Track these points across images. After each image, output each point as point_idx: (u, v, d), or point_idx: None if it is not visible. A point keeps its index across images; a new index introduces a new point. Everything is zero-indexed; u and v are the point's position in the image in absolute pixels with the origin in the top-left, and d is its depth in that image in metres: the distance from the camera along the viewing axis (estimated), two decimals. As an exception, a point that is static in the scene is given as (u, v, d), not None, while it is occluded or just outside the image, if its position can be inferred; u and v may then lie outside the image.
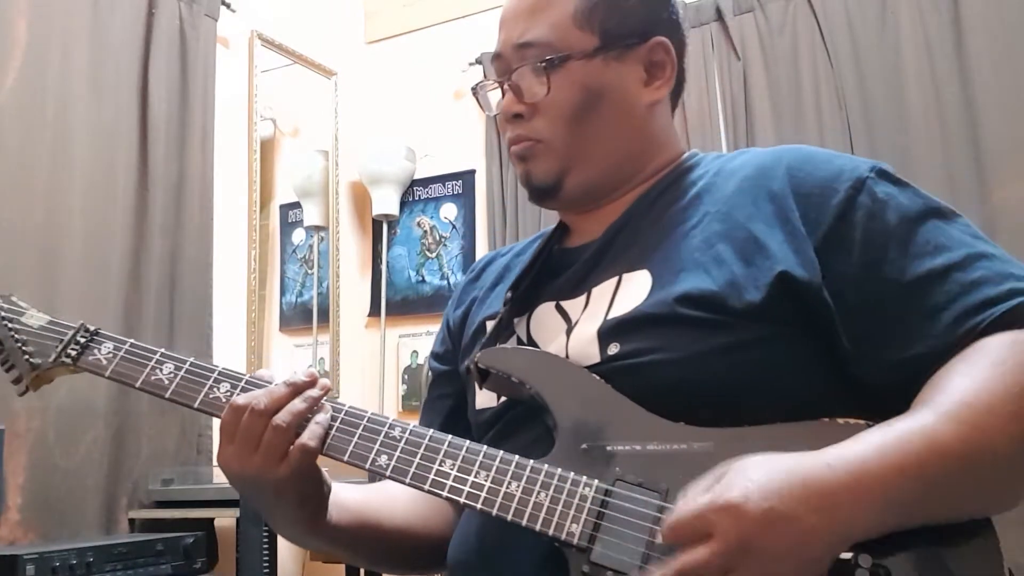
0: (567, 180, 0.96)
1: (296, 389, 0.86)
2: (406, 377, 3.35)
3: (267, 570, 2.36)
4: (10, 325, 0.96)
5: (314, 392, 0.87)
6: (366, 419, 0.87)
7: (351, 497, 0.96)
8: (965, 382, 0.73)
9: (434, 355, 1.13)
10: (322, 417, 0.86)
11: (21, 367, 0.95)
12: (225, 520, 2.47)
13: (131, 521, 2.41)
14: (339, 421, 0.87)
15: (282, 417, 0.84)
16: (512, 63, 0.97)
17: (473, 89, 1.06)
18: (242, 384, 0.90)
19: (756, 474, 0.67)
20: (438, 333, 1.15)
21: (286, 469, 0.83)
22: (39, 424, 2.20)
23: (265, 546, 2.37)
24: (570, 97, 0.94)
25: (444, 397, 1.09)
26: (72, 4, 2.43)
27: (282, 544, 2.49)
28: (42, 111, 2.34)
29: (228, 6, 2.94)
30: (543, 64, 0.93)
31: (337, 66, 3.46)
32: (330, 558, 2.63)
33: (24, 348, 0.94)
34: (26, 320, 0.97)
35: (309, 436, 0.84)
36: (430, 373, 1.14)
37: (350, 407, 0.88)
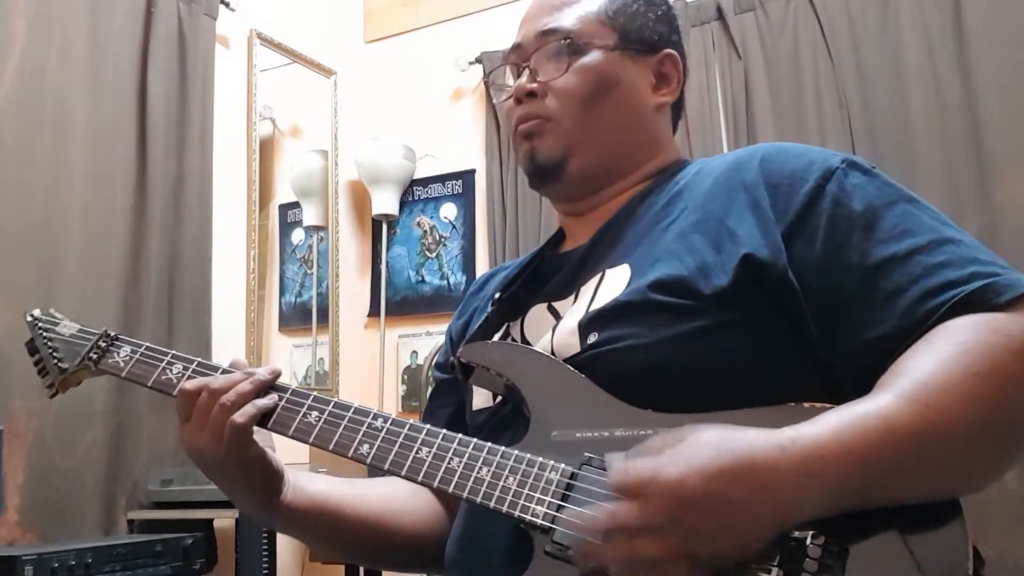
0: (570, 161, 0.99)
1: (249, 375, 0.93)
2: (406, 377, 3.34)
3: (266, 570, 2.36)
4: (45, 335, 1.07)
5: (263, 376, 0.93)
6: (351, 411, 0.90)
7: (315, 485, 1.00)
8: (925, 363, 0.74)
9: (437, 365, 1.17)
10: (263, 401, 0.91)
11: (52, 372, 1.05)
12: (224, 521, 2.46)
13: (130, 522, 2.41)
14: (284, 400, 0.92)
15: (227, 396, 0.90)
16: (531, 49, 1.02)
17: (486, 77, 1.11)
18: (287, 394, 0.95)
19: (702, 453, 0.68)
20: (443, 344, 1.19)
21: (224, 447, 0.89)
22: (38, 424, 2.19)
23: (264, 547, 2.37)
24: (585, 82, 0.99)
25: (444, 406, 1.12)
26: (71, 3, 2.43)
27: (281, 545, 2.49)
28: (41, 110, 2.33)
29: (227, 5, 2.94)
30: (566, 43, 0.99)
31: (336, 65, 3.46)
32: (329, 559, 2.62)
33: (55, 355, 1.04)
34: (59, 330, 1.07)
35: (240, 414, 0.89)
36: (432, 382, 1.17)
37: (338, 400, 0.93)
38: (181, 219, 2.67)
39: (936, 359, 0.74)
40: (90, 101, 2.45)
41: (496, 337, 1.01)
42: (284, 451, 0.97)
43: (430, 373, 1.22)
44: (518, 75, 1.04)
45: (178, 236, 2.66)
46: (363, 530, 1.02)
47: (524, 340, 0.99)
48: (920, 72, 2.57)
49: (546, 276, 1.03)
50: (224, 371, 0.97)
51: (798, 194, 0.86)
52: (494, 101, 0.87)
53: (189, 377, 0.97)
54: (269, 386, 0.93)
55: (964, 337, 0.75)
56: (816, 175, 0.87)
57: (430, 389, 1.17)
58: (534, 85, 1.00)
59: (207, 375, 0.97)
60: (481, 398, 1.01)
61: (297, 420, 0.91)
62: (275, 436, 0.95)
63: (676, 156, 1.06)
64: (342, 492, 1.02)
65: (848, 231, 0.84)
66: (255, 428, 0.91)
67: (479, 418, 1.00)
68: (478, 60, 3.24)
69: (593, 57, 1.00)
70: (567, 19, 1.01)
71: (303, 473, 1.01)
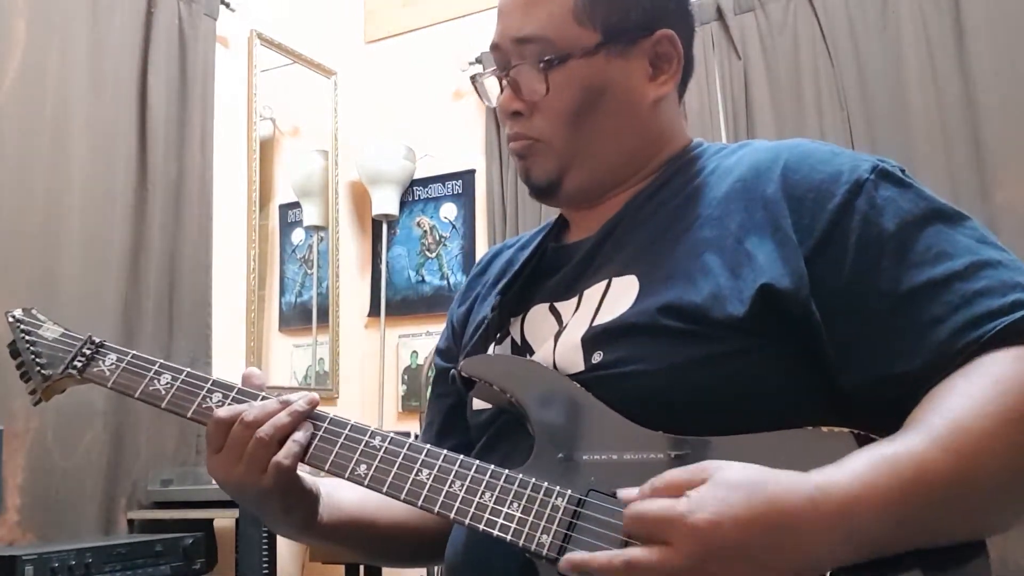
0: (566, 180, 0.94)
1: (285, 405, 0.88)
2: (406, 377, 3.34)
3: (266, 570, 2.36)
4: (27, 338, 1.00)
5: (300, 406, 0.87)
6: (348, 428, 0.87)
7: (347, 497, 0.97)
8: (962, 403, 0.70)
9: (438, 351, 1.13)
10: (301, 435, 0.87)
11: (35, 379, 0.99)
12: (224, 520, 2.46)
13: (130, 522, 2.41)
14: (322, 430, 0.88)
15: (265, 430, 0.85)
16: (510, 57, 0.93)
17: (472, 80, 1.04)
18: (233, 395, 0.92)
19: (735, 498, 0.64)
20: (444, 329, 1.14)
21: (268, 481, 0.85)
22: (38, 424, 2.19)
23: (264, 546, 2.37)
24: (570, 97, 0.91)
25: (444, 396, 1.08)
26: (71, 4, 2.43)
27: (281, 545, 2.49)
28: (41, 111, 2.33)
29: (227, 5, 2.94)
30: (542, 64, 0.90)
31: (337, 66, 3.46)
32: (329, 559, 2.63)
33: (38, 360, 0.99)
34: (42, 333, 1.01)
35: (284, 454, 0.85)
36: (434, 368, 1.14)
37: (334, 416, 0.89)
38: (181, 219, 2.67)
39: (974, 400, 0.69)
40: (90, 101, 2.45)
41: (496, 336, 0.97)
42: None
43: (432, 360, 1.19)
44: (500, 85, 0.96)
45: (178, 236, 2.65)
46: (396, 535, 1.01)
47: (524, 341, 0.95)
48: (920, 72, 2.57)
49: (549, 271, 0.98)
50: (215, 381, 0.93)
51: (824, 211, 0.80)
52: (485, 104, 0.85)
53: (180, 390, 0.93)
54: (307, 417, 0.88)
55: (1004, 376, 0.70)
56: (844, 189, 0.80)
57: (431, 375, 1.13)
58: (519, 104, 0.93)
59: (198, 388, 0.92)
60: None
61: (333, 453, 0.86)
62: None
63: (685, 142, 0.99)
64: (374, 502, 0.98)
65: (878, 254, 0.78)
66: None
67: (480, 418, 0.96)
68: (478, 60, 3.24)
69: (574, 69, 0.90)
70: (538, 22, 0.91)
71: (333, 483, 0.96)
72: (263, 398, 0.90)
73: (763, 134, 2.75)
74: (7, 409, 2.09)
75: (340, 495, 0.97)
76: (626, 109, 0.93)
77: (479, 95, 1.03)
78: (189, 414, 0.93)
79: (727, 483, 0.66)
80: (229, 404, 0.90)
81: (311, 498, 0.92)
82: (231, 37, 3.04)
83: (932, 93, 2.55)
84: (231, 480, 0.87)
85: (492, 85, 0.99)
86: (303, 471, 0.91)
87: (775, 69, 2.79)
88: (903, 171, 0.84)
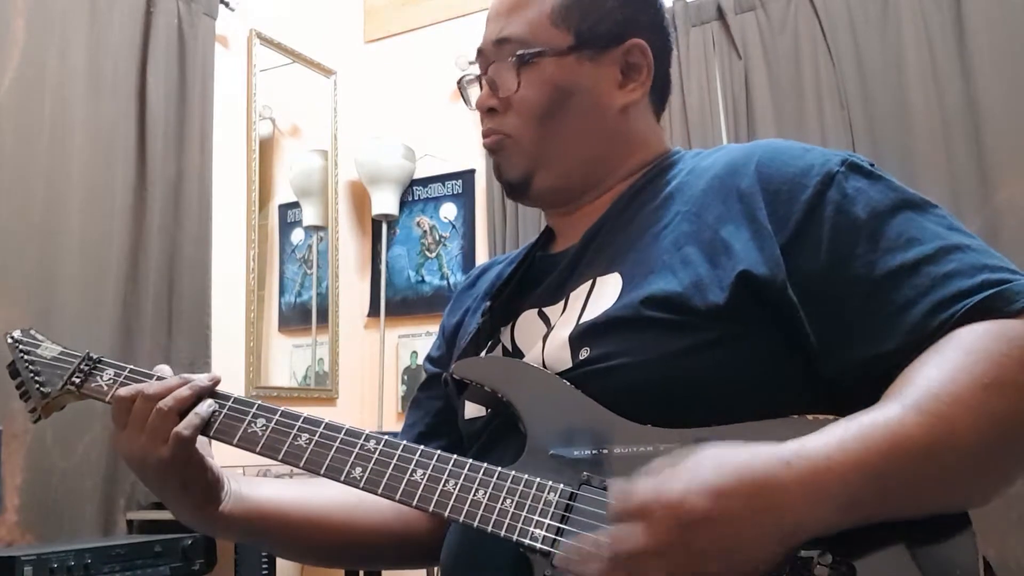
0: (535, 179, 0.98)
1: (186, 381, 0.92)
2: (405, 377, 3.34)
3: (266, 571, 2.35)
4: (26, 357, 1.03)
5: (201, 382, 0.92)
6: (343, 432, 0.88)
7: (258, 492, 0.99)
8: (934, 372, 0.72)
9: (429, 358, 1.15)
10: (202, 408, 0.91)
11: (34, 397, 1.02)
12: (224, 521, 2.45)
13: (129, 522, 2.41)
14: (226, 408, 0.91)
15: (165, 402, 0.90)
16: (490, 58, 0.98)
17: (459, 83, 1.08)
18: (230, 404, 0.93)
19: (704, 470, 0.66)
20: (436, 338, 1.16)
21: (167, 451, 0.89)
22: (37, 425, 2.17)
23: (264, 547, 2.36)
24: (539, 94, 0.95)
25: (433, 399, 1.10)
26: (70, 3, 2.43)
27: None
28: (40, 111, 2.33)
29: (227, 5, 2.94)
30: (514, 59, 0.95)
31: (336, 65, 3.46)
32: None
33: (36, 378, 1.02)
34: (41, 352, 1.03)
35: (184, 425, 0.89)
36: (424, 374, 1.15)
37: (329, 422, 0.90)
38: (181, 219, 2.67)
39: (945, 369, 0.71)
40: (89, 101, 2.44)
41: (487, 344, 0.99)
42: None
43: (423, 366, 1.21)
44: (480, 86, 1.01)
45: (178, 236, 2.65)
46: (313, 532, 1.01)
47: (515, 347, 0.96)
48: (920, 72, 2.57)
49: (536, 279, 1.01)
50: (159, 377, 0.96)
51: (797, 202, 0.83)
52: (468, 108, 0.88)
53: (123, 384, 0.96)
54: (209, 392, 0.92)
55: (974, 346, 0.72)
56: (815, 180, 0.83)
57: (420, 381, 1.15)
58: (493, 101, 0.97)
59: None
60: (474, 407, 0.98)
61: (287, 444, 0.89)
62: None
63: (662, 148, 1.02)
64: (288, 496, 1.00)
65: (852, 242, 0.80)
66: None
67: (473, 427, 0.97)
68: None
69: (546, 68, 0.95)
70: (518, 25, 0.96)
71: (249, 479, 1.00)
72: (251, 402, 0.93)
73: (763, 134, 2.75)
74: (7, 410, 2.08)
75: (251, 489, 0.99)
76: (593, 112, 0.97)
77: (464, 100, 1.07)
78: None
79: (698, 460, 0.68)
80: (226, 412, 0.92)
81: (212, 478, 0.94)
82: (230, 37, 3.04)
83: (932, 93, 2.55)
84: (135, 453, 0.91)
85: (476, 90, 1.03)
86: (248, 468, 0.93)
87: (775, 69, 2.79)
88: (872, 165, 0.86)
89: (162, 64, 2.65)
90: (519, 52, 0.95)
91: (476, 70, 1.02)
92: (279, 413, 0.91)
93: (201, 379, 0.93)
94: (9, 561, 1.83)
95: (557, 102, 0.95)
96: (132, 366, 1.00)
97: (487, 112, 0.99)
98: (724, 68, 2.87)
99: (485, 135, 0.99)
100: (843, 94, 2.67)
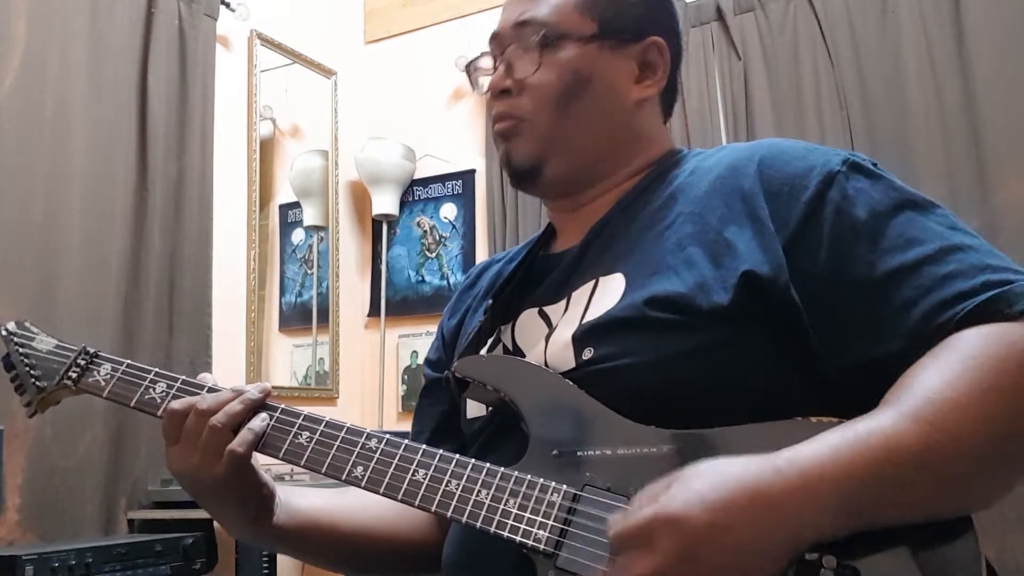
0: (546, 165, 0.96)
1: (238, 393, 0.90)
2: (406, 377, 3.34)
3: (266, 571, 2.36)
4: (21, 350, 1.00)
5: (253, 395, 0.90)
6: (344, 431, 0.88)
7: (306, 502, 0.98)
8: (931, 378, 0.71)
9: (428, 362, 1.14)
10: (255, 423, 0.89)
11: (30, 391, 0.99)
12: (224, 521, 2.46)
13: (130, 522, 2.41)
14: (318, 433, 0.89)
15: (218, 418, 0.88)
16: (507, 41, 0.97)
17: (467, 67, 1.06)
18: (278, 413, 0.92)
19: (700, 484, 0.66)
20: (433, 340, 1.15)
21: (222, 469, 0.87)
22: (38, 424, 2.19)
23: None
24: (559, 78, 0.94)
25: (436, 404, 1.09)
26: (71, 4, 2.43)
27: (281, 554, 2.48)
28: (41, 111, 2.33)
29: (227, 5, 2.94)
30: (538, 39, 0.94)
31: (337, 66, 3.46)
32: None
33: (32, 372, 0.99)
34: (36, 345, 1.01)
35: (239, 442, 0.87)
36: (423, 379, 1.14)
37: (330, 420, 0.89)
38: (181, 219, 2.67)
39: (943, 374, 0.71)
40: (90, 101, 2.45)
41: (487, 343, 0.98)
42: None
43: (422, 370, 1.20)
44: (494, 67, 0.99)
45: (178, 236, 2.65)
46: (358, 544, 1.01)
47: (515, 346, 0.96)
48: (920, 72, 2.57)
49: (537, 278, 1.00)
50: (210, 389, 0.93)
51: (799, 202, 0.82)
52: (474, 92, 0.86)
53: (175, 396, 0.93)
54: (260, 405, 0.90)
55: (973, 350, 0.72)
56: (817, 180, 0.83)
57: (421, 386, 1.14)
58: (508, 82, 0.96)
59: (194, 394, 0.93)
60: (475, 405, 0.97)
61: (288, 441, 0.88)
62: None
63: (667, 148, 1.01)
64: (334, 506, 1.00)
65: (852, 242, 0.80)
66: None
67: (474, 426, 0.97)
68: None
69: (568, 51, 0.94)
70: (543, 8, 0.95)
71: (294, 489, 0.99)
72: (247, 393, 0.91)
73: (763, 134, 2.75)
74: (7, 409, 2.08)
75: (300, 499, 0.98)
76: (609, 103, 0.96)
77: (470, 83, 1.05)
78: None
79: (693, 474, 0.67)
80: (273, 424, 0.91)
81: (266, 492, 0.93)
82: (231, 37, 3.04)
83: (932, 93, 2.55)
84: (187, 471, 0.89)
85: (486, 76, 1.02)
86: (260, 463, 0.91)
87: (775, 69, 2.79)
88: (875, 164, 0.86)
89: (163, 65, 2.66)
90: (543, 34, 0.94)
91: (485, 61, 1.01)
92: (302, 418, 0.90)
93: (252, 392, 0.90)
94: (10, 560, 1.83)
95: (575, 88, 0.94)
96: (129, 361, 0.98)
97: (499, 95, 0.97)
98: (723, 69, 2.87)
99: (498, 119, 0.97)
100: (842, 94, 2.67)
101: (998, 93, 2.46)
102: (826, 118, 2.69)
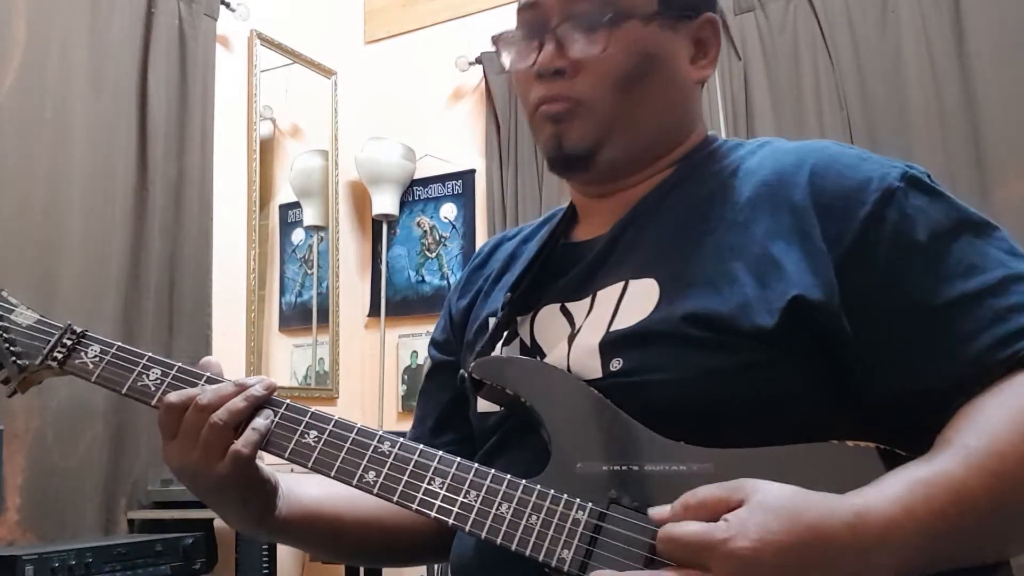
0: (603, 149, 0.89)
1: (241, 388, 0.85)
2: (406, 377, 3.34)
3: (266, 570, 2.36)
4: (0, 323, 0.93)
5: (257, 391, 0.85)
6: (355, 432, 0.83)
7: (307, 493, 0.94)
8: (997, 425, 0.69)
9: (434, 343, 1.08)
10: (259, 422, 0.84)
11: (9, 368, 0.91)
12: (225, 520, 2.46)
13: (130, 522, 2.41)
14: (326, 434, 0.84)
15: (219, 415, 0.82)
16: (553, 16, 0.88)
17: (494, 39, 0.95)
18: (283, 409, 0.88)
19: (775, 524, 0.63)
20: (440, 319, 1.10)
21: (224, 469, 0.82)
22: (38, 424, 2.19)
23: (264, 546, 2.37)
24: (625, 60, 0.87)
25: (442, 389, 1.04)
26: (71, 4, 2.43)
27: (282, 545, 2.49)
28: (41, 111, 2.33)
29: (227, 5, 2.94)
30: (606, 19, 0.86)
31: (337, 66, 3.46)
32: (329, 561, 2.62)
33: (12, 348, 0.91)
34: (15, 318, 0.93)
35: (243, 443, 0.82)
36: (428, 360, 1.09)
37: (339, 419, 0.85)
38: (181, 219, 2.67)
39: (1008, 423, 0.69)
40: (90, 101, 2.45)
41: (503, 336, 0.93)
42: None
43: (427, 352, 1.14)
44: (531, 40, 0.90)
45: (178, 236, 2.66)
46: (363, 532, 0.97)
47: (534, 342, 0.91)
48: (919, 72, 2.57)
49: (558, 268, 0.93)
50: (209, 379, 0.88)
51: (854, 220, 0.78)
52: (494, 71, 0.81)
53: (170, 386, 0.87)
54: (264, 402, 0.85)
55: None
56: (873, 197, 0.78)
57: (426, 368, 1.09)
58: (564, 63, 0.87)
59: (191, 384, 0.88)
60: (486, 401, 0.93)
61: (294, 441, 0.84)
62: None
63: (704, 134, 0.96)
64: (336, 495, 0.95)
65: (910, 265, 0.76)
66: None
67: (487, 422, 0.92)
68: (478, 60, 3.25)
69: (632, 30, 0.87)
70: None
71: (294, 477, 0.94)
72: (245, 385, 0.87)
73: (763, 134, 2.75)
74: (7, 409, 2.08)
75: (301, 490, 0.94)
76: (672, 83, 0.91)
77: (498, 58, 0.96)
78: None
79: (766, 507, 0.64)
80: (278, 422, 0.86)
81: (269, 488, 0.89)
82: (231, 37, 3.04)
83: (932, 93, 2.55)
84: (187, 468, 0.84)
85: (507, 54, 0.94)
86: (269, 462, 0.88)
87: (775, 69, 2.79)
88: (930, 177, 0.82)
89: (163, 65, 2.66)
90: (608, 15, 0.86)
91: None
92: (309, 415, 0.85)
93: (256, 388, 0.85)
94: (10, 560, 1.83)
95: (641, 69, 0.88)
96: (119, 343, 0.92)
97: (551, 75, 0.88)
98: (723, 68, 2.87)
99: (547, 101, 0.89)
100: (842, 94, 2.67)
101: (998, 93, 2.46)
102: (826, 118, 2.69)
